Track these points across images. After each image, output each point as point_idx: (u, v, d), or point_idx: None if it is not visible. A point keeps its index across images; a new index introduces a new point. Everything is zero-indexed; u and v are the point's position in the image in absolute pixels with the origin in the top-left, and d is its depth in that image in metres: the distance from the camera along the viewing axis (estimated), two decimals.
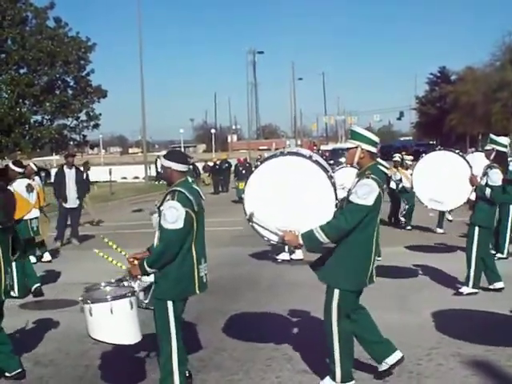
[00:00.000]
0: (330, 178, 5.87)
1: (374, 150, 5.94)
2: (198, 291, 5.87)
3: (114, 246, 6.64)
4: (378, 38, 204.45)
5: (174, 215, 5.59)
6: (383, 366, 6.11)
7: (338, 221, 5.66)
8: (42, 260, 13.34)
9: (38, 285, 10.54)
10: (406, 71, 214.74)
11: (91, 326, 5.65)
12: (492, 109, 54.09)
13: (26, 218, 10.60)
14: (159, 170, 28.56)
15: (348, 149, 5.99)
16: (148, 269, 5.71)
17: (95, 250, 6.71)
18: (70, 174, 16.59)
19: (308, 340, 7.58)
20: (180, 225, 5.59)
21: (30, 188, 10.84)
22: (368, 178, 5.70)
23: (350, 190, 5.85)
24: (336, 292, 5.82)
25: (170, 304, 5.72)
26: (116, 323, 5.61)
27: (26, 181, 10.86)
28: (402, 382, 6.17)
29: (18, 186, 10.58)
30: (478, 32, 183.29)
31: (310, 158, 5.95)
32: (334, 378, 5.89)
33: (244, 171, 33.09)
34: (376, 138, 5.98)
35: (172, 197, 5.68)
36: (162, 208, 5.72)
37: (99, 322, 5.60)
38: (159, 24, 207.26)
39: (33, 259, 13.27)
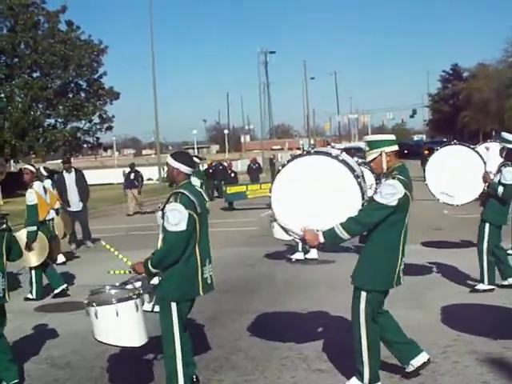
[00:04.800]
0: (357, 177, 5.82)
1: (396, 147, 5.90)
2: (201, 293, 5.86)
3: (116, 253, 6.63)
4: (389, 36, 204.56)
5: (176, 217, 5.60)
6: (410, 368, 6.09)
7: (357, 216, 5.63)
8: (57, 262, 13.40)
9: (65, 286, 10.73)
10: (418, 69, 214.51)
11: (97, 329, 5.66)
12: (505, 105, 53.83)
13: (46, 219, 10.80)
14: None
15: (372, 160, 5.90)
16: (152, 269, 5.74)
17: (102, 242, 6.76)
18: (70, 178, 16.71)
19: (323, 339, 7.57)
20: (183, 227, 5.60)
21: (44, 189, 11.04)
22: (394, 178, 5.65)
23: (376, 189, 5.84)
24: (363, 293, 5.80)
25: (173, 305, 5.73)
26: (122, 325, 5.62)
27: (41, 183, 11.04)
28: (417, 379, 6.14)
29: (39, 188, 10.86)
30: (490, 29, 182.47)
31: (336, 157, 5.90)
32: (361, 380, 5.85)
33: (233, 175, 31.23)
34: (392, 136, 6.02)
35: (175, 199, 5.69)
36: (165, 210, 5.74)
37: (105, 325, 5.61)
38: (171, 25, 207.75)
39: (62, 258, 13.38)
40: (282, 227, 6.23)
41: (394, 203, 5.59)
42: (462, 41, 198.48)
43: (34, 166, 11.55)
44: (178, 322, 5.77)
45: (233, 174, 31.21)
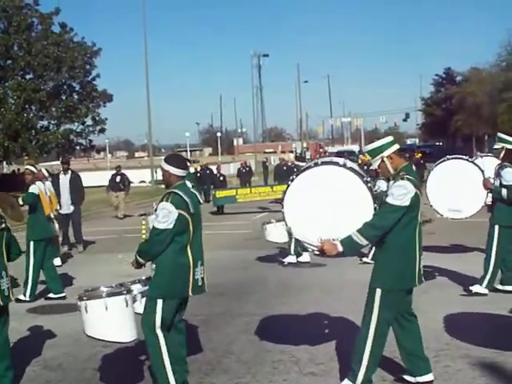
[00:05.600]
0: (367, 182, 5.89)
1: (396, 146, 5.90)
2: (190, 293, 5.91)
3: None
4: (382, 40, 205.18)
5: (165, 215, 5.71)
6: (411, 379, 6.08)
7: (372, 220, 5.64)
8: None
9: (63, 295, 10.73)
10: (411, 72, 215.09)
11: (86, 323, 5.70)
12: (498, 109, 53.90)
13: (51, 216, 10.89)
14: None
15: (378, 167, 5.96)
16: (138, 258, 5.95)
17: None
18: (64, 180, 16.58)
19: (315, 342, 7.56)
20: (170, 226, 5.70)
21: (46, 190, 11.13)
22: (403, 179, 5.66)
23: (386, 191, 5.86)
24: (378, 292, 5.74)
25: (159, 302, 5.78)
26: (111, 320, 5.65)
27: (42, 184, 11.14)
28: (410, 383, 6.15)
29: (40, 187, 11.00)
30: (483, 32, 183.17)
31: (344, 165, 5.96)
32: (353, 381, 5.80)
33: (222, 178, 29.68)
34: (388, 138, 5.98)
35: (166, 198, 5.80)
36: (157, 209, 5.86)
37: (94, 319, 5.64)
38: (165, 27, 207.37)
39: (58, 262, 13.31)
40: (298, 241, 6.26)
41: (407, 203, 5.60)
42: (456, 44, 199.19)
43: (35, 167, 11.50)
44: (161, 320, 5.78)
45: (222, 178, 30.00)
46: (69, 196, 16.53)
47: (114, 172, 26.41)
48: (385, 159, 5.85)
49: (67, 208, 16.45)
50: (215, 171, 30.88)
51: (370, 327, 5.76)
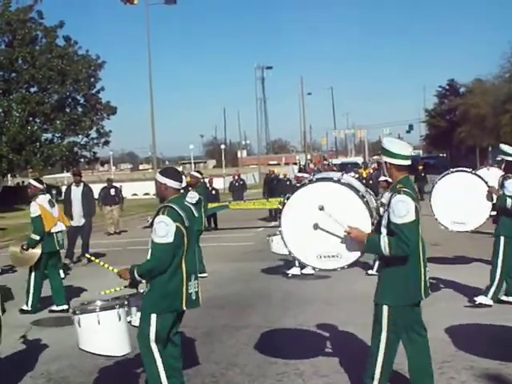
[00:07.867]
0: (362, 197, 5.84)
1: (403, 162, 5.77)
2: (184, 307, 5.84)
3: (106, 266, 6.73)
4: (386, 51, 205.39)
5: (163, 229, 5.67)
6: None
7: (403, 245, 5.48)
8: None
9: (65, 307, 10.68)
10: (414, 84, 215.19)
11: (80, 337, 5.73)
12: (501, 120, 53.93)
13: (52, 231, 10.77)
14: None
15: (382, 163, 5.96)
16: (137, 277, 5.80)
17: (87, 255, 6.82)
18: (77, 192, 16.53)
19: (319, 355, 7.56)
20: (170, 239, 5.67)
21: (51, 203, 11.01)
22: (400, 192, 5.59)
23: (383, 203, 5.81)
24: (385, 308, 5.71)
25: (153, 317, 5.73)
26: (103, 334, 5.66)
27: (47, 196, 11.03)
28: None
29: (43, 201, 10.84)
30: (487, 44, 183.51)
31: (339, 181, 5.93)
32: None
33: (214, 192, 27.39)
34: (399, 149, 5.78)
35: (163, 212, 5.77)
36: (153, 223, 5.81)
37: (87, 333, 5.67)
38: (168, 40, 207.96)
39: (60, 274, 13.30)
40: (295, 259, 6.22)
41: (414, 216, 5.54)
42: (459, 56, 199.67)
43: (40, 181, 11.36)
44: (156, 334, 5.74)
45: (214, 192, 27.66)
46: (81, 208, 16.47)
47: (104, 185, 25.33)
48: (386, 163, 5.82)
49: (78, 221, 16.43)
50: (207, 184, 27.37)
51: (381, 344, 5.74)
